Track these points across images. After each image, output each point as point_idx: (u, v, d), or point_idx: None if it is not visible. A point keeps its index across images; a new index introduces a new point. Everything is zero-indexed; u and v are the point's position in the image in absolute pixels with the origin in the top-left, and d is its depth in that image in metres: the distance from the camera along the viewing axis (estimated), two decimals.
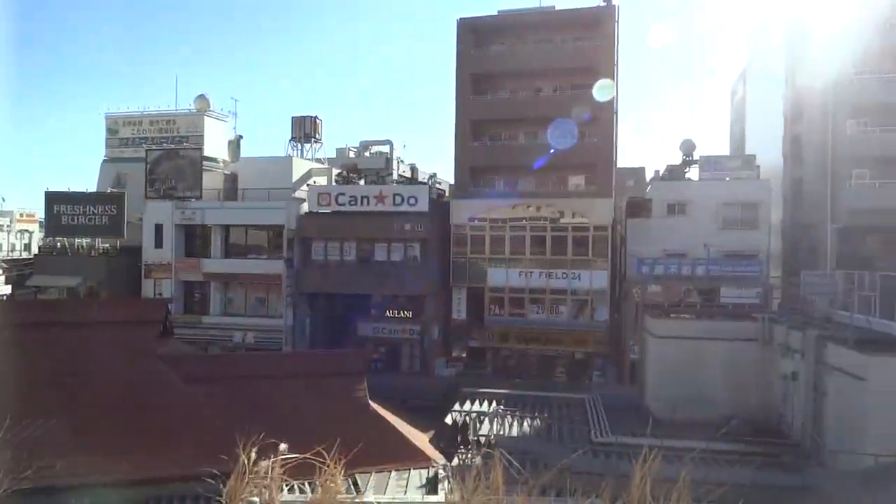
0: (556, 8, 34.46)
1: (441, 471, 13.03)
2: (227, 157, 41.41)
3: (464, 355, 33.53)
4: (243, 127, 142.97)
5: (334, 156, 51.59)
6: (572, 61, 32.86)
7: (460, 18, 33.94)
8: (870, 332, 13.63)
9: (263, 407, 14.42)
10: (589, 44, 32.60)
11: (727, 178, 31.44)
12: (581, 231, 31.37)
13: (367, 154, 49.37)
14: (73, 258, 35.17)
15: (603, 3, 33.08)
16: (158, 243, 34.41)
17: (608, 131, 31.98)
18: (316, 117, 39.55)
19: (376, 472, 13.76)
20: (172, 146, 39.91)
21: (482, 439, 15.17)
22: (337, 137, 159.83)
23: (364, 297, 36.07)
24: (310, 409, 14.80)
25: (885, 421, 11.44)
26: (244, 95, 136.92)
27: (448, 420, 16.73)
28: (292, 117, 39.18)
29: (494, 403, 19.46)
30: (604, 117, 31.99)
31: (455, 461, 13.75)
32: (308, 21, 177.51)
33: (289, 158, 35.71)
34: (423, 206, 31.80)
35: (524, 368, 32.72)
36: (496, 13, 34.29)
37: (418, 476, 13.62)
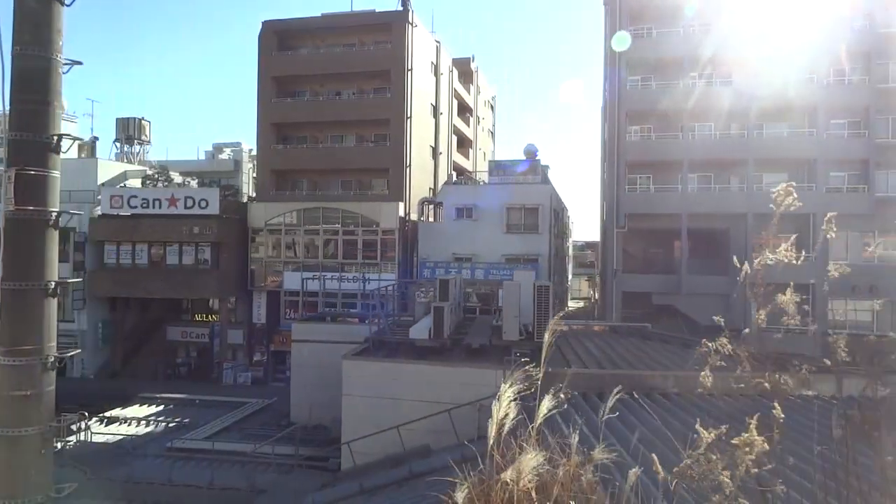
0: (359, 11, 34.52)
1: None
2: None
3: (265, 360, 33.31)
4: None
5: (203, 158, 51.30)
6: (368, 65, 32.90)
7: (264, 21, 33.75)
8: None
9: None
10: (382, 47, 32.67)
11: (513, 183, 31.61)
12: (371, 234, 31.38)
13: (222, 156, 49.10)
14: None
15: (400, 8, 33.19)
16: None
17: (400, 136, 31.99)
18: (142, 119, 39.06)
19: None
20: None
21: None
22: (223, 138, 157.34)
23: (177, 300, 35.77)
24: None
25: None
26: (124, 98, 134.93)
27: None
28: (116, 119, 38.72)
29: (164, 407, 19.39)
30: (397, 123, 32.01)
31: None
32: (190, 22, 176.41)
33: (94, 160, 35.20)
34: (213, 208, 31.57)
35: None
36: (298, 17, 34.16)
37: None
